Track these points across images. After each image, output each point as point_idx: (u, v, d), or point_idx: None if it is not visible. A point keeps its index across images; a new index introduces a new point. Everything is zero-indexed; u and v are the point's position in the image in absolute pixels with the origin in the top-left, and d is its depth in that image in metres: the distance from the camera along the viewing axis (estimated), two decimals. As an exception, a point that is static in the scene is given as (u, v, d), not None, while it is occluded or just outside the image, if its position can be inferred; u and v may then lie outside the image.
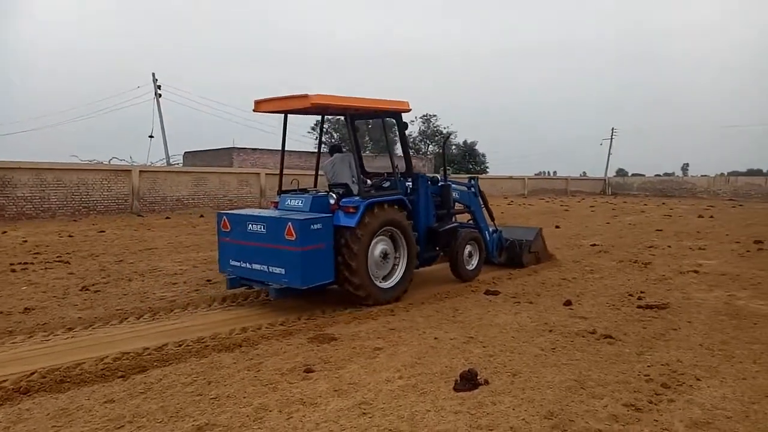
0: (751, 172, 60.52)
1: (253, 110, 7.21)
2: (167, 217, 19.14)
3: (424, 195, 7.92)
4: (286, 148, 8.17)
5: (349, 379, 4.27)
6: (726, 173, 52.86)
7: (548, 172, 63.25)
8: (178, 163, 34.70)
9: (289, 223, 6.12)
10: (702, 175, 45.74)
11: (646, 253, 11.27)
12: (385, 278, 7.02)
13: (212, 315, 6.44)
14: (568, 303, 6.87)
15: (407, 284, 7.24)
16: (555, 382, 4.22)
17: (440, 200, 8.30)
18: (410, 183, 7.86)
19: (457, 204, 8.77)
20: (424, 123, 56.57)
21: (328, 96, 6.65)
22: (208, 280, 8.38)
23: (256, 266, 6.51)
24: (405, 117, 7.83)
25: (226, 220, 6.92)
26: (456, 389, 4.05)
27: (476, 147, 53.89)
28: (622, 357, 4.88)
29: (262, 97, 7.18)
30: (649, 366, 4.63)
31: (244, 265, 6.69)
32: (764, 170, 62.20)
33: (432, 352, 5.00)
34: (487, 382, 4.18)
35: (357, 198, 6.77)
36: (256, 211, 7.32)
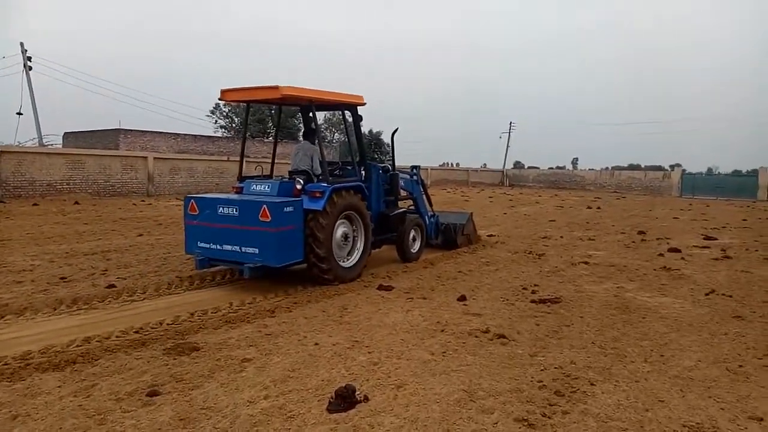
0: (632, 167, 65.46)
1: (219, 99, 7.41)
2: (35, 204, 17.02)
3: (376, 182, 8.54)
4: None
5: (202, 403, 3.54)
6: (610, 167, 56.78)
7: (451, 163, 64.57)
8: (52, 144, 31.42)
9: (264, 206, 6.39)
10: (590, 169, 48.68)
11: (540, 244, 11.35)
12: (345, 258, 7.48)
13: (53, 322, 5.40)
14: (462, 298, 6.53)
15: (364, 264, 7.76)
16: (443, 395, 3.76)
17: (389, 187, 8.92)
18: (363, 172, 8.32)
19: (401, 191, 9.41)
20: (329, 111, 55.66)
21: (297, 88, 6.97)
22: (63, 278, 7.22)
23: (227, 247, 6.72)
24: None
25: (194, 203, 7.03)
26: (330, 410, 3.46)
27: (382, 137, 54.01)
28: (515, 359, 4.53)
29: (229, 87, 7.33)
30: (542, 369, 4.30)
31: (213, 246, 6.85)
32: (642, 165, 67.59)
33: (309, 361, 4.37)
34: (366, 399, 3.62)
35: (323, 184, 7.16)
36: (225, 195, 7.47)
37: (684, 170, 41.50)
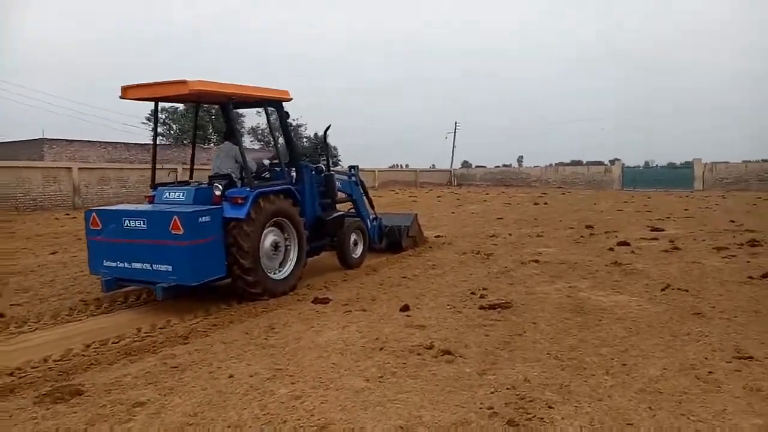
0: (574, 163, 66.95)
1: (120, 97, 6.51)
2: (-61, 223, 15.34)
3: (309, 184, 7.87)
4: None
5: (63, 473, 2.75)
6: (554, 164, 57.83)
7: (401, 164, 64.32)
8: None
9: (176, 217, 5.67)
10: (535, 166, 49.32)
11: (489, 243, 10.90)
12: (276, 270, 6.77)
13: None
14: (405, 308, 5.90)
15: (299, 275, 7.06)
16: (376, 436, 3.10)
17: (324, 190, 8.26)
18: (294, 173, 7.68)
19: (339, 193, 8.74)
20: (271, 114, 54.43)
21: (209, 83, 6.26)
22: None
23: (137, 265, 5.95)
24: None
25: (95, 216, 6.24)
26: (230, 470, 2.74)
27: (327, 140, 53.14)
28: (461, 381, 3.92)
29: (132, 83, 6.44)
30: (492, 392, 3.71)
31: (121, 265, 6.07)
32: (584, 161, 69.28)
33: (218, 400, 3.63)
34: (280, 450, 2.92)
35: (245, 189, 6.46)
36: (132, 206, 6.80)
37: (624, 164, 42.47)
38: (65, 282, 7.63)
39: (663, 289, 6.55)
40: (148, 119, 49.38)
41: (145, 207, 6.43)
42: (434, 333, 5.06)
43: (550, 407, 3.47)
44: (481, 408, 3.47)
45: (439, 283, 7.25)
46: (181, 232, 5.65)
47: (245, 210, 6.20)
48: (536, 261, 8.73)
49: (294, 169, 7.74)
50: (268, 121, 7.88)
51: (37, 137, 28.55)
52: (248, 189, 6.44)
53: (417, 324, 5.36)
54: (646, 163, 64.46)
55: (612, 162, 44.92)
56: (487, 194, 31.18)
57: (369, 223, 9.27)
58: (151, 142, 8.12)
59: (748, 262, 8.27)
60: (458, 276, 7.71)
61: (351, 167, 9.76)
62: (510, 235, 12.20)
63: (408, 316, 5.68)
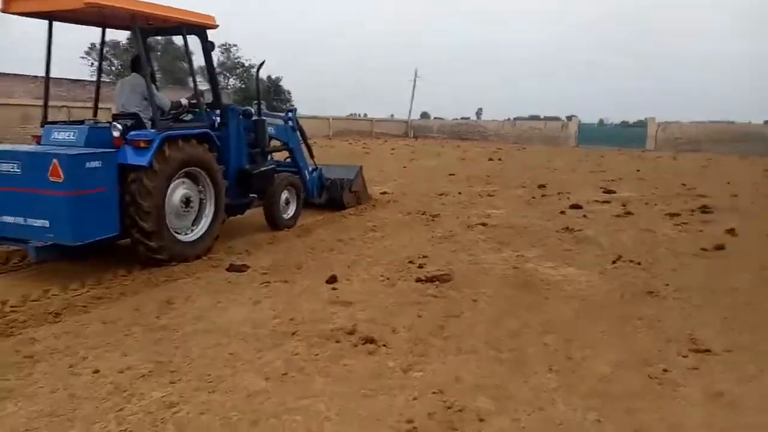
0: (532, 117, 66.84)
1: (2, 10, 5.30)
2: None
3: (235, 130, 6.89)
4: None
5: None
6: (512, 118, 57.52)
7: (359, 113, 62.62)
8: None
9: (55, 160, 4.72)
10: (492, 120, 48.79)
11: (436, 203, 10.25)
12: (187, 230, 5.89)
13: None
14: (332, 279, 5.19)
15: (215, 236, 6.17)
16: (256, 467, 2.41)
17: (254, 137, 7.21)
18: (218, 116, 6.69)
19: (273, 141, 7.80)
20: (223, 53, 51.61)
21: None
22: None
23: (9, 219, 5.00)
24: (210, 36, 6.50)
25: None
26: None
27: (281, 83, 50.94)
28: (381, 380, 3.27)
29: None
30: (415, 398, 3.07)
31: None
32: (542, 116, 69.18)
33: (65, 408, 2.85)
34: (119, 495, 2.20)
35: (150, 131, 5.50)
36: (6, 146, 5.77)
37: (580, 121, 42.42)
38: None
39: (614, 261, 6.05)
40: (88, 53, 46.18)
41: (23, 148, 5.39)
42: (360, 312, 4.39)
43: (481, 420, 2.86)
44: (398, 421, 2.83)
45: (377, 249, 6.56)
46: (61, 180, 4.69)
47: (148, 156, 5.22)
48: (484, 224, 8.13)
49: (218, 111, 6.74)
50: (187, 52, 6.75)
51: (-47, 68, 25.87)
52: (155, 131, 5.47)
53: (342, 300, 4.68)
54: (600, 120, 64.97)
55: (569, 118, 44.91)
56: (443, 148, 30.52)
57: (307, 175, 8.43)
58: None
59: (701, 231, 7.91)
60: (399, 240, 7.03)
61: (288, 111, 8.74)
62: (460, 193, 11.58)
63: (334, 289, 4.98)
